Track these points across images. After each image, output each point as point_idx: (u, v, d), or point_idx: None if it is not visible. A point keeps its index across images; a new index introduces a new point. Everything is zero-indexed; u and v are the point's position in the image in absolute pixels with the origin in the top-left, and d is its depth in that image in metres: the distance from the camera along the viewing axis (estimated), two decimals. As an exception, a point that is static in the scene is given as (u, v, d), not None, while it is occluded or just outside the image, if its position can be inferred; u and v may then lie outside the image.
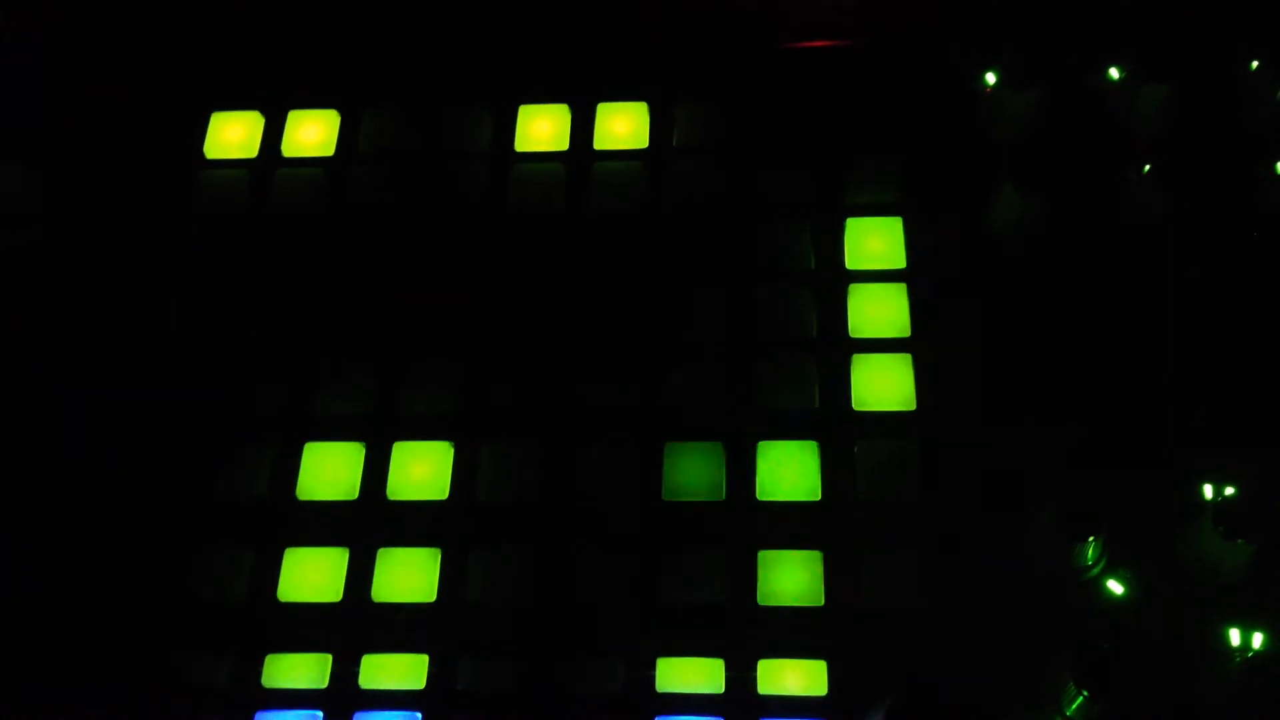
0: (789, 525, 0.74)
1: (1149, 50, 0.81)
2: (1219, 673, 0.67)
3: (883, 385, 0.77)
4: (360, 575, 0.75)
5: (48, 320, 0.83)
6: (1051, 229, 0.79)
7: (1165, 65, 0.81)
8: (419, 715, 0.72)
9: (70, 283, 0.84)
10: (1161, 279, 0.78)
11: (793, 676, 0.71)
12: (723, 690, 0.71)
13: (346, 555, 0.76)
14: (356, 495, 0.77)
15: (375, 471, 0.78)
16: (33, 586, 0.76)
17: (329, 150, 0.88)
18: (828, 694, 0.70)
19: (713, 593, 0.73)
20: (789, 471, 0.76)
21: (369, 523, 0.76)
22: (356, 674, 0.73)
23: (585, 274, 0.82)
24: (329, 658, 0.73)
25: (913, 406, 0.77)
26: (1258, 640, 0.67)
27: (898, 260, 0.81)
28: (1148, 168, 0.78)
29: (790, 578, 0.73)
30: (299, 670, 0.73)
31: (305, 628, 0.74)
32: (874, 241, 0.81)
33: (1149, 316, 0.77)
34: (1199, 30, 0.84)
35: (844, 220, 0.82)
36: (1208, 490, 0.71)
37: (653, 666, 0.72)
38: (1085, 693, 0.65)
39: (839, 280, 0.81)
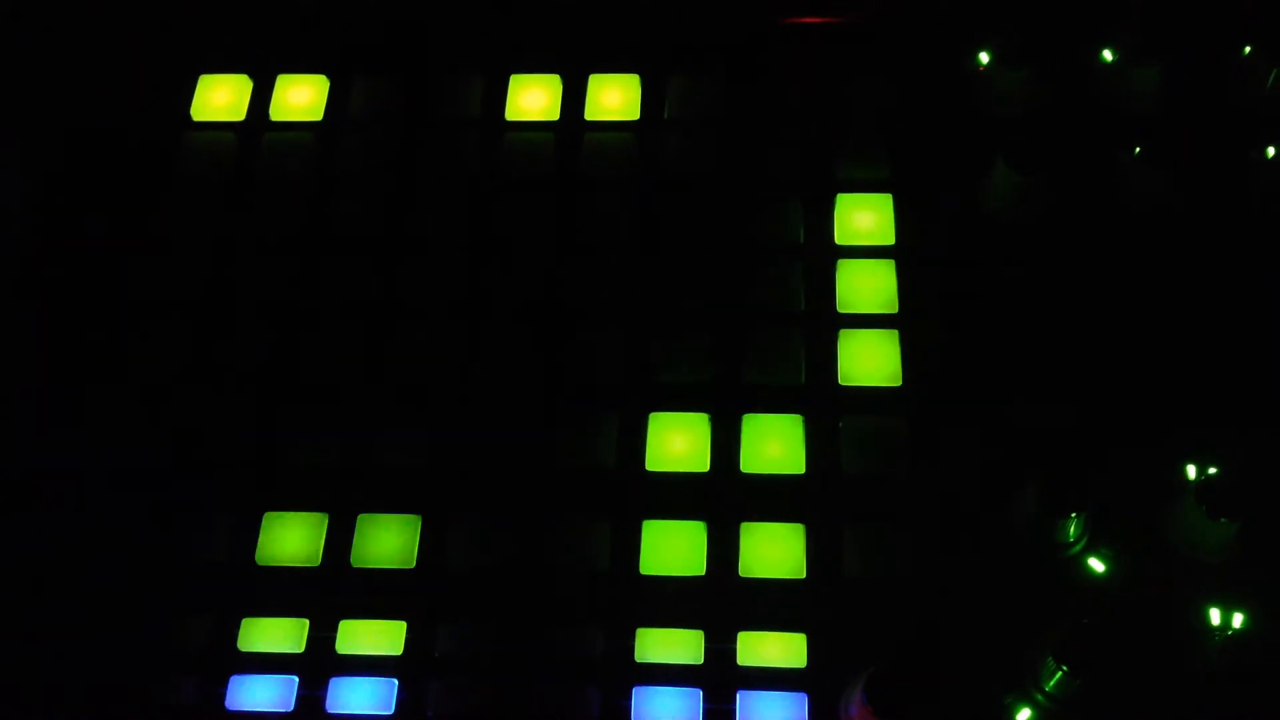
0: (772, 498, 0.74)
1: (1143, 31, 0.81)
2: (1199, 651, 0.67)
3: (869, 361, 0.77)
4: (340, 540, 0.75)
5: (29, 282, 0.83)
6: (1043, 207, 0.79)
7: (1159, 47, 0.81)
8: (395, 682, 0.71)
9: (50, 245, 0.84)
10: (1151, 260, 0.78)
11: (772, 648, 0.71)
12: (702, 661, 0.71)
13: (326, 520, 0.75)
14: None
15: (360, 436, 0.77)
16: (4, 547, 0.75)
17: (318, 115, 0.87)
18: (807, 666, 0.70)
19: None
20: (773, 445, 0.75)
21: (351, 488, 0.76)
22: (333, 639, 0.72)
23: (574, 244, 0.82)
24: (306, 622, 0.73)
25: (899, 383, 0.76)
26: (1238, 620, 0.67)
27: (887, 236, 0.80)
28: (1138, 150, 0.78)
29: (772, 550, 0.73)
30: (275, 634, 0.73)
31: (283, 592, 0.74)
32: (864, 217, 0.81)
33: (1138, 296, 0.77)
34: (1193, 13, 0.84)
35: (834, 195, 0.82)
36: (1191, 469, 0.70)
37: (632, 636, 0.71)
38: (1064, 668, 0.65)
39: (828, 255, 0.80)
